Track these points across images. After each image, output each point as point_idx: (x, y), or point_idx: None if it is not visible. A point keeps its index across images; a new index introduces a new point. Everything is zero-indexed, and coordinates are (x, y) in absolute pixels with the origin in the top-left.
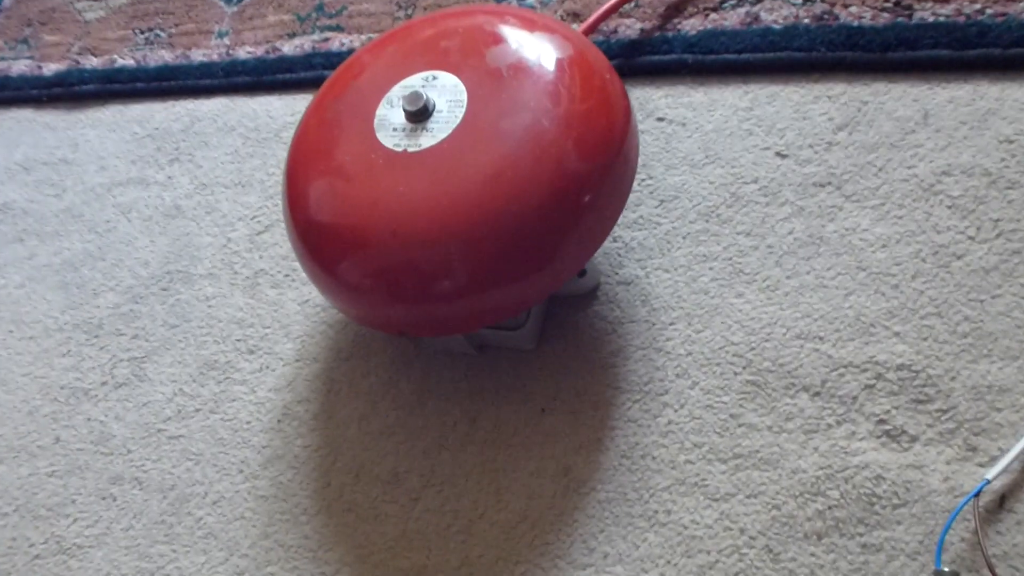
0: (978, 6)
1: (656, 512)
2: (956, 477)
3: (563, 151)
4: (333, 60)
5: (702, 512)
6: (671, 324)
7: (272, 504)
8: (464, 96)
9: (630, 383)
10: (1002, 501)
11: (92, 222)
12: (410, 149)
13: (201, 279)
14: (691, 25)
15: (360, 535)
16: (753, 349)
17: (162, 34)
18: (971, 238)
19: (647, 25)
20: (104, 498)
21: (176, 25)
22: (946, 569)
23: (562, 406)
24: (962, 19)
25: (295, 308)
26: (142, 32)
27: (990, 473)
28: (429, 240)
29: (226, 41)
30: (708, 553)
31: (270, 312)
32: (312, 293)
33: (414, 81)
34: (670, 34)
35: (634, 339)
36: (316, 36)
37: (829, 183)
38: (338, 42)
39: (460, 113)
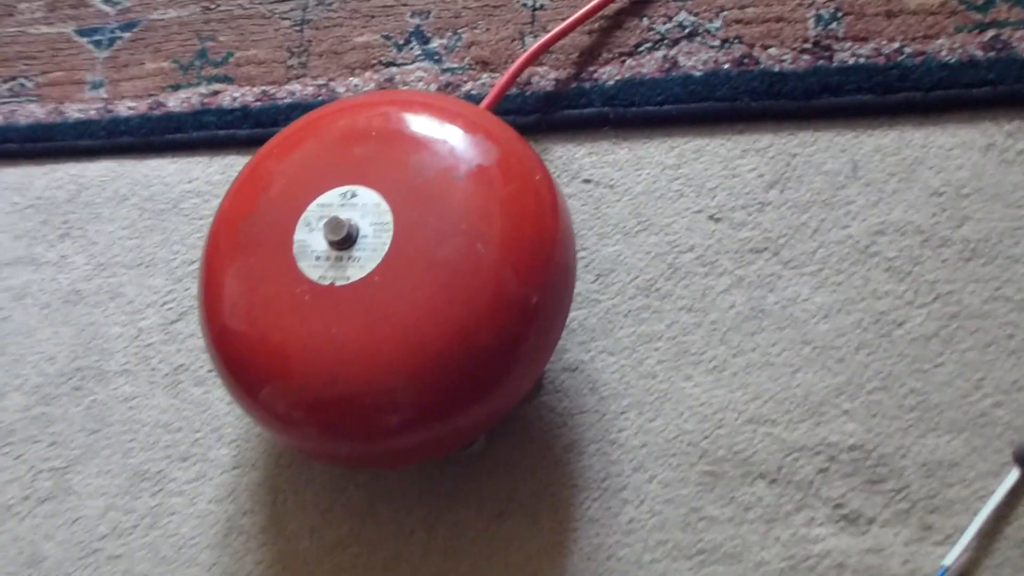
0: (896, 45)
1: None
2: (915, 559)
3: (502, 277)
4: (226, 118)
5: None
6: (622, 413)
7: None
8: (389, 218)
9: (587, 480)
10: None
11: None
12: (338, 283)
13: (116, 376)
14: (608, 73)
15: None
16: (707, 437)
17: (27, 83)
18: (910, 303)
19: (562, 74)
20: None
21: (43, 72)
22: None
23: (520, 508)
24: (882, 60)
25: (224, 408)
26: (4, 81)
27: (948, 558)
28: (373, 379)
29: (102, 93)
30: None
31: (198, 414)
32: None
33: (331, 198)
34: (587, 84)
35: (586, 431)
36: (203, 89)
37: (766, 248)
38: (229, 96)
39: (387, 238)
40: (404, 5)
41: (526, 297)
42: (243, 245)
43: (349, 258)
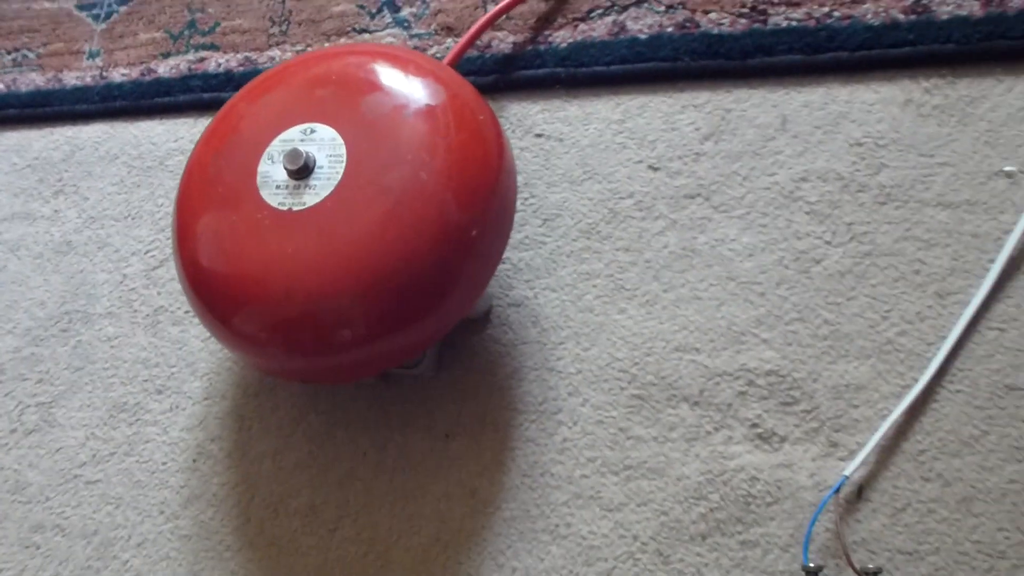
0: (826, 9)
1: (557, 526)
2: (821, 473)
3: (443, 202)
4: (211, 82)
5: (599, 523)
6: (561, 344)
7: (196, 543)
8: (343, 151)
9: (526, 404)
10: (860, 492)
11: None
12: (295, 208)
13: (101, 319)
14: (561, 37)
15: (283, 568)
16: (637, 364)
17: (30, 54)
18: (828, 243)
19: (519, 38)
20: (27, 547)
21: (44, 44)
22: (811, 564)
23: (465, 430)
24: (812, 23)
25: (199, 345)
26: (8, 53)
27: (848, 469)
28: (322, 298)
29: (98, 62)
30: (606, 561)
31: (174, 351)
32: None
33: (292, 134)
34: (542, 47)
35: (527, 360)
36: (191, 56)
37: (699, 195)
38: (214, 62)
39: (340, 169)
40: None
41: (466, 224)
42: (212, 179)
43: (306, 187)
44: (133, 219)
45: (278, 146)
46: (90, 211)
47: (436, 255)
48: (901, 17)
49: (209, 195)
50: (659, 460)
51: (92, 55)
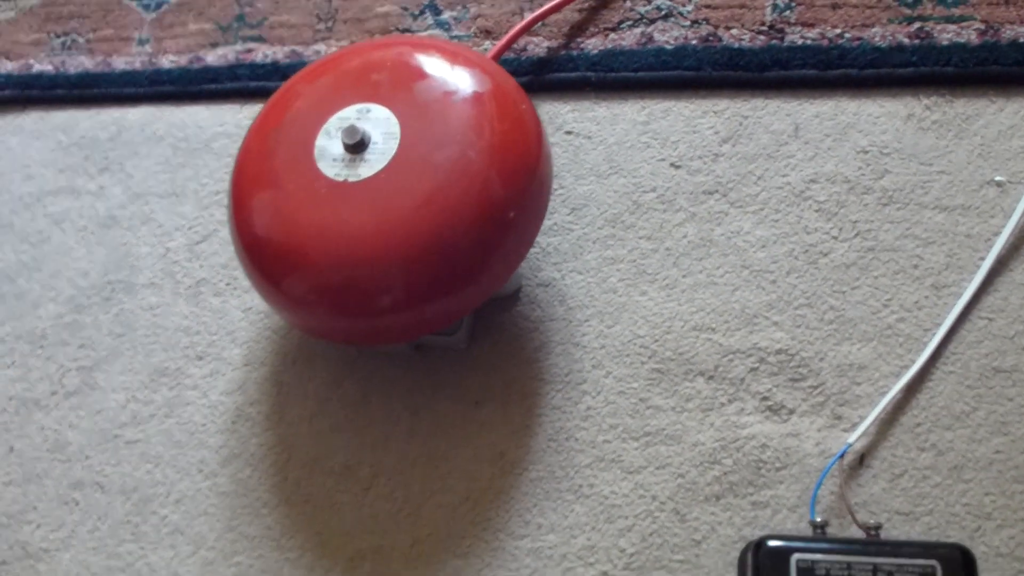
0: (838, 30)
1: (581, 486)
2: (825, 442)
3: (488, 179)
4: (257, 71)
5: (619, 484)
6: (586, 321)
7: (233, 500)
8: (397, 129)
9: (553, 375)
10: (862, 459)
11: (24, 232)
12: (350, 179)
13: (143, 288)
14: (592, 44)
15: (319, 523)
16: (657, 341)
17: (79, 39)
18: (834, 238)
19: (553, 44)
20: (66, 503)
21: (93, 30)
22: (818, 519)
23: (494, 398)
24: (825, 42)
25: (239, 315)
26: (58, 36)
27: (851, 438)
28: (373, 262)
29: (147, 49)
30: (626, 518)
31: (215, 320)
32: (255, 300)
33: (349, 113)
34: (574, 52)
35: (554, 335)
36: (239, 47)
37: (717, 191)
38: (261, 53)
39: (394, 145)
40: None
41: (507, 201)
42: (271, 151)
43: (361, 160)
44: (177, 196)
45: (335, 123)
46: (135, 188)
47: (479, 228)
48: (906, 41)
49: (267, 166)
50: (676, 428)
51: (141, 42)
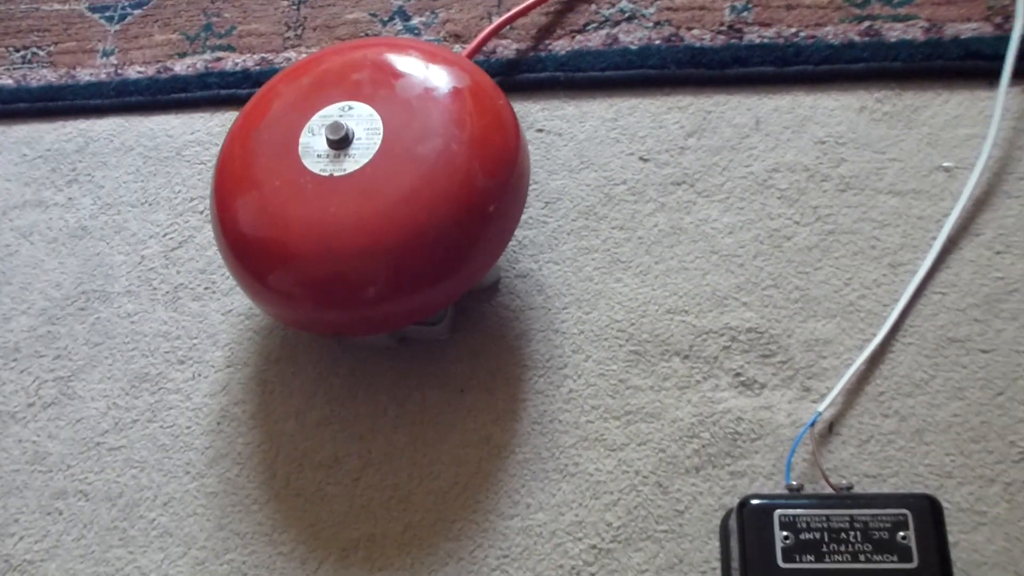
0: (793, 30)
1: (566, 465)
2: (796, 413)
3: (471, 170)
4: (228, 79)
5: (603, 461)
6: (564, 308)
7: (223, 499)
8: (380, 124)
9: (535, 361)
10: (831, 427)
11: None
12: (336, 174)
13: (119, 297)
14: (560, 46)
15: (310, 515)
16: (633, 324)
17: (40, 52)
18: (797, 222)
19: (522, 46)
20: (49, 513)
21: (55, 43)
22: (794, 483)
23: (478, 385)
24: (781, 41)
25: (219, 318)
26: (17, 50)
27: (820, 407)
28: (362, 254)
29: (113, 60)
30: (611, 494)
31: (195, 324)
32: (235, 303)
33: (331, 111)
34: (542, 54)
35: (534, 323)
36: (208, 56)
37: (684, 182)
38: (231, 62)
39: (377, 140)
40: None
41: (490, 191)
42: (253, 150)
43: (346, 155)
44: (150, 205)
45: (318, 120)
46: (106, 198)
47: (463, 217)
48: (857, 38)
49: (251, 166)
50: (655, 406)
51: (106, 54)
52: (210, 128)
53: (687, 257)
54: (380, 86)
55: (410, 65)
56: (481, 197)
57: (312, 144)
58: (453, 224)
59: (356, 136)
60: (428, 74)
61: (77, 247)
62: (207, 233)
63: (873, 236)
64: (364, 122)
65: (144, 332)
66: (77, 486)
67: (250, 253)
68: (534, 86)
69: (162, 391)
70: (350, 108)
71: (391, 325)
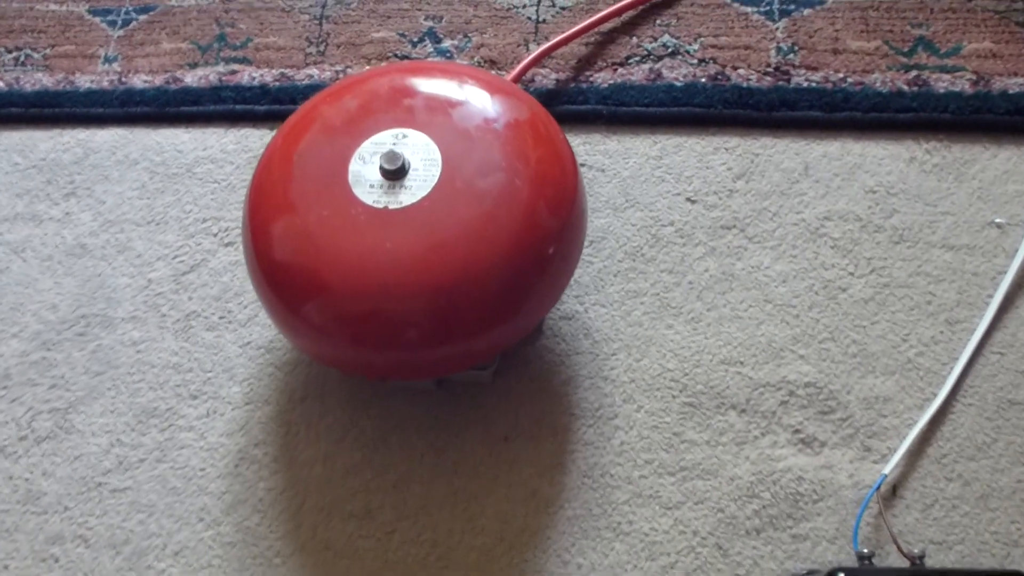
0: (841, 75)
1: (619, 524)
2: (858, 473)
3: (534, 209)
4: (244, 94)
5: (659, 520)
6: (613, 355)
7: (241, 549)
8: (438, 155)
9: (583, 409)
10: (894, 490)
11: None
12: (391, 206)
13: (123, 323)
14: (602, 78)
15: (340, 571)
16: (687, 374)
17: (35, 54)
18: (851, 274)
19: (562, 76)
20: (44, 560)
21: (51, 46)
22: (864, 550)
23: (523, 433)
24: (829, 86)
25: (236, 351)
26: (9, 51)
27: (886, 469)
28: (420, 293)
29: (116, 67)
30: (668, 555)
31: (209, 356)
32: (254, 335)
33: (384, 138)
34: (584, 85)
35: (581, 369)
36: (221, 68)
37: (734, 226)
38: (247, 75)
39: (436, 172)
40: (418, 10)
41: (553, 230)
42: (297, 174)
43: (401, 187)
44: (157, 224)
45: (370, 147)
46: (107, 215)
47: (524, 259)
48: (905, 87)
49: (294, 190)
50: (712, 462)
51: (108, 60)
52: (224, 145)
53: (740, 305)
54: (436, 113)
55: (467, 93)
56: (543, 237)
57: (364, 173)
58: (513, 266)
59: (412, 167)
60: (487, 103)
61: (75, 266)
62: (222, 257)
63: (928, 291)
64: (420, 151)
65: (152, 362)
66: (76, 530)
67: (290, 283)
68: (575, 118)
69: (172, 428)
70: (404, 136)
71: (438, 371)
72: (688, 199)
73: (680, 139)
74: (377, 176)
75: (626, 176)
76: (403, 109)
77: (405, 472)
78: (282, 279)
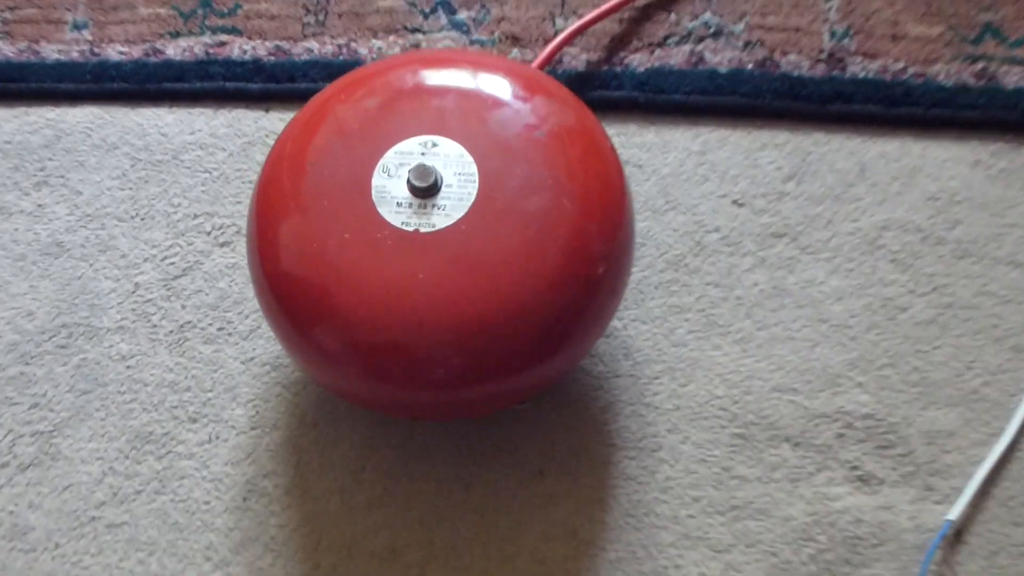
0: (901, 65)
1: (666, 568)
2: (920, 516)
3: (586, 233)
4: (235, 70)
5: (708, 564)
6: (656, 378)
7: None
8: (474, 169)
9: (624, 440)
10: (958, 534)
11: None
12: (422, 229)
13: (110, 334)
14: (638, 60)
15: None
16: (736, 403)
17: None
18: (911, 292)
19: (593, 57)
20: None
21: (10, 9)
22: None
23: (560, 466)
24: (888, 77)
25: (238, 367)
26: None
27: (952, 514)
28: (460, 332)
29: (86, 35)
30: None
31: (208, 373)
32: (258, 349)
33: (411, 147)
34: (618, 68)
35: (622, 394)
36: (207, 38)
37: (785, 234)
38: (237, 48)
39: (473, 189)
40: None
41: (603, 256)
42: (311, 187)
43: (433, 206)
44: (143, 220)
45: (395, 158)
46: (85, 208)
47: (577, 287)
48: (971, 81)
49: (310, 207)
50: (765, 500)
51: (77, 26)
52: (214, 128)
53: (793, 324)
54: (470, 117)
55: (504, 91)
56: (595, 264)
57: (389, 188)
58: (566, 295)
59: (445, 183)
60: (527, 105)
61: (52, 267)
62: (217, 259)
63: (994, 313)
64: (453, 164)
65: (144, 380)
66: (69, 570)
67: (305, 316)
68: (608, 106)
69: (171, 456)
70: (434, 145)
71: (490, 408)
72: (735, 202)
73: (724, 132)
74: (405, 193)
75: (666, 174)
76: (431, 111)
77: (432, 507)
78: (302, 321)
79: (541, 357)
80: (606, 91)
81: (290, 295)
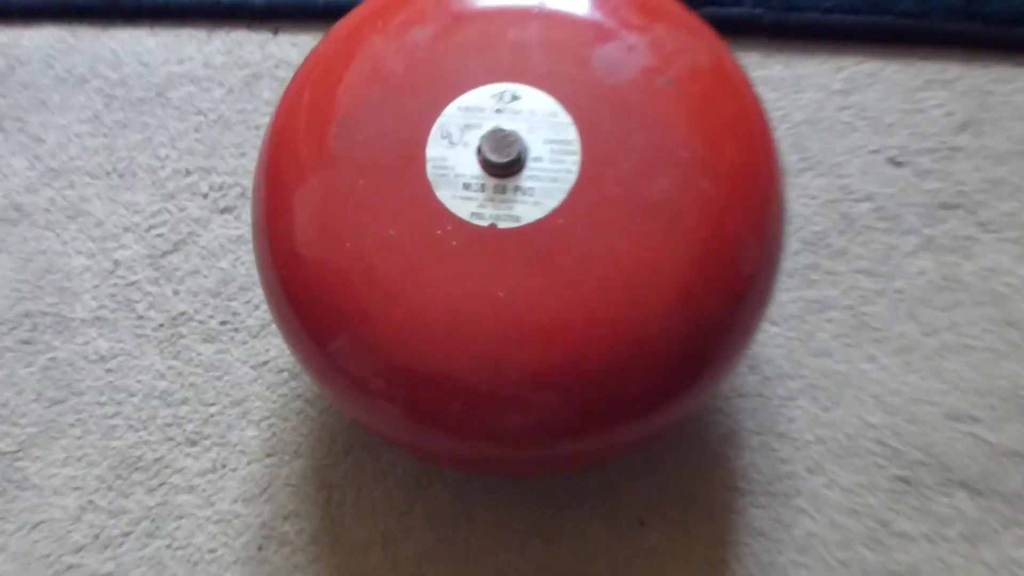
0: None
1: None
2: None
3: (737, 227)
4: None
5: None
6: (791, 399)
7: None
8: (573, 134)
9: (751, 482)
10: None
11: None
12: (501, 224)
13: (84, 326)
14: None
15: None
16: (897, 434)
17: None
18: None
19: None
20: None
21: None
22: None
23: (666, 516)
24: None
25: (248, 374)
26: None
27: None
28: (555, 369)
29: None
30: None
31: (210, 381)
32: (271, 351)
33: (481, 100)
34: None
35: (747, 420)
36: None
37: (959, 205)
38: None
39: (572, 164)
40: None
41: (753, 259)
42: (340, 157)
43: (516, 188)
44: (121, 176)
45: (458, 117)
46: (49, 160)
47: (718, 302)
48: None
49: (334, 188)
50: (935, 566)
51: None
52: (208, 56)
53: (971, 329)
54: (562, 59)
55: (611, 21)
56: (743, 270)
57: (451, 162)
58: (695, 319)
59: (533, 155)
60: (644, 38)
61: (10, 238)
62: (217, 229)
63: None
64: (542, 127)
65: (128, 388)
66: None
67: (345, 342)
68: (722, 26)
69: (166, 488)
70: (514, 97)
71: (567, 469)
72: (891, 160)
73: (876, 64)
74: (476, 169)
75: (799, 120)
76: (508, 48)
77: (503, 563)
78: (332, 333)
79: (667, 398)
80: (718, 7)
81: (312, 313)
